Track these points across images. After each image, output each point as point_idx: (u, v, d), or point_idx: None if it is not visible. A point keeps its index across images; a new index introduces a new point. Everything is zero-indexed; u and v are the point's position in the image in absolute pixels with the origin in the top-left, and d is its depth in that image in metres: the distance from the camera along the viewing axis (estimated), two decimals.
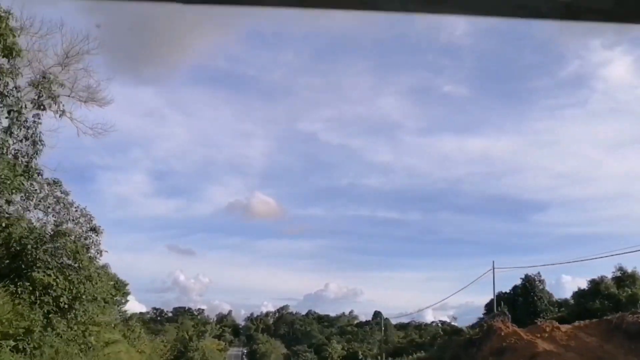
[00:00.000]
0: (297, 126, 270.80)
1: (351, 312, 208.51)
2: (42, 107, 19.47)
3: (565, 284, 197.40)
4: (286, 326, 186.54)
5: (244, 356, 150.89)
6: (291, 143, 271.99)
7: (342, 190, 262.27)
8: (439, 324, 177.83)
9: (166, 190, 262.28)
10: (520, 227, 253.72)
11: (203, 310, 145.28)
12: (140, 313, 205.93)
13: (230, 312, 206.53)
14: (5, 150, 18.28)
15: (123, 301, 49.74)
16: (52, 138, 20.17)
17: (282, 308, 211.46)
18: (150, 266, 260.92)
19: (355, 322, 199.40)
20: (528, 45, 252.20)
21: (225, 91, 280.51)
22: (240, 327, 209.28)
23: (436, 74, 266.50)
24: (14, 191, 17.76)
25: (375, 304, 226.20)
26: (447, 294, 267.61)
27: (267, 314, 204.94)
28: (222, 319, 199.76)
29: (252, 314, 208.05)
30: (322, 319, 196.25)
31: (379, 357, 61.72)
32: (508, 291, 53.02)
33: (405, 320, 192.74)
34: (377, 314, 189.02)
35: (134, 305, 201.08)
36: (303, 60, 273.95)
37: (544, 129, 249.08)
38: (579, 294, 44.70)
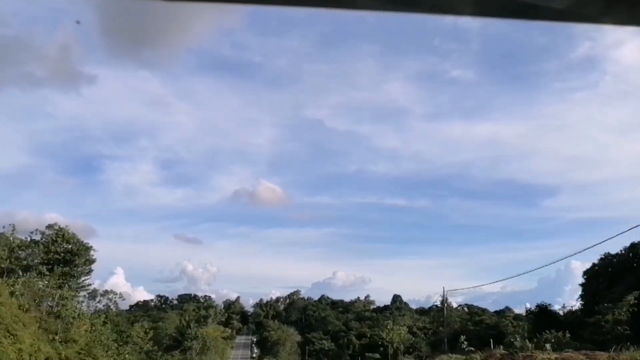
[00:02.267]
0: (303, 113, 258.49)
1: (367, 297, 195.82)
2: None
3: (575, 269, 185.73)
4: (298, 312, 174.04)
5: (253, 344, 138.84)
6: (298, 130, 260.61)
7: (350, 177, 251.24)
8: (465, 308, 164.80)
9: (173, 179, 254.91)
10: (530, 212, 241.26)
11: (210, 297, 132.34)
12: (144, 301, 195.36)
13: (238, 298, 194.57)
14: None
15: (87, 270, 36.10)
16: None
17: (293, 293, 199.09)
18: (158, 256, 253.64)
19: (372, 307, 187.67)
20: (536, 27, 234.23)
21: (231, 78, 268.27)
22: (249, 314, 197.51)
23: (443, 58, 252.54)
24: None
25: (383, 291, 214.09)
26: (456, 280, 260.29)
27: (277, 300, 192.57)
28: (230, 305, 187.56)
29: (261, 300, 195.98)
30: (335, 305, 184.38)
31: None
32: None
33: (422, 305, 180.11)
34: (396, 298, 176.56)
35: (141, 294, 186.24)
36: (309, 46, 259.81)
37: (553, 112, 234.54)
38: None
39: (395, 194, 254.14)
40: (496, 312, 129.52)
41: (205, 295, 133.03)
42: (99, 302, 40.46)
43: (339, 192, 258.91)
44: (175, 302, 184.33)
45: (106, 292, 40.53)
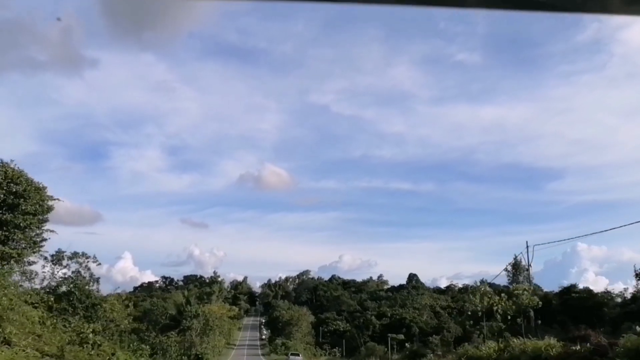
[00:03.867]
0: (309, 98, 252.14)
1: (380, 276, 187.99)
2: None
3: (581, 252, 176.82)
4: (308, 292, 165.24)
5: (262, 326, 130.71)
6: (303, 115, 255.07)
7: (355, 162, 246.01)
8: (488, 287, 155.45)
9: (180, 165, 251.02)
10: (534, 196, 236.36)
11: (216, 273, 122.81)
12: (149, 282, 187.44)
13: (245, 278, 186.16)
14: None
15: (38, 221, 26.20)
16: None
17: (303, 273, 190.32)
18: (165, 241, 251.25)
19: (386, 287, 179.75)
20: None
21: (236, 64, 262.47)
22: (257, 294, 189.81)
23: (448, 41, 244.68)
24: None
25: (390, 274, 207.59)
26: (461, 263, 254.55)
27: (286, 279, 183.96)
28: (237, 286, 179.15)
29: (269, 281, 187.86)
30: (347, 285, 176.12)
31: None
32: None
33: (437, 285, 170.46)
34: (412, 277, 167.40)
35: (148, 278, 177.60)
36: (313, 31, 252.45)
37: (559, 95, 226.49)
38: None
39: (401, 178, 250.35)
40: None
41: (212, 274, 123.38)
42: (66, 266, 30.69)
43: (345, 177, 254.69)
44: (180, 283, 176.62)
45: (75, 255, 30.61)
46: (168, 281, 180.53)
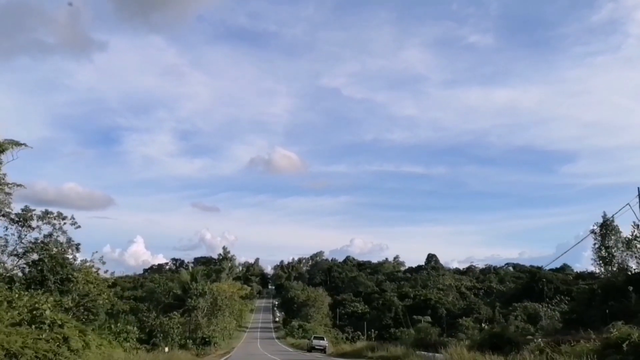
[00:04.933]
0: (320, 82, 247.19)
1: (396, 257, 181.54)
2: None
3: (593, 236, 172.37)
4: (322, 274, 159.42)
5: (275, 308, 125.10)
6: (314, 99, 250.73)
7: (366, 146, 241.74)
8: (511, 268, 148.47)
9: (191, 149, 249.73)
10: (548, 179, 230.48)
11: (228, 252, 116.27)
12: (159, 265, 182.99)
13: (257, 260, 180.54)
14: None
15: None
16: None
17: (316, 255, 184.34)
18: (177, 225, 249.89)
19: (402, 268, 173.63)
20: None
21: (247, 48, 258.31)
22: (269, 276, 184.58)
23: (461, 23, 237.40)
24: None
25: (401, 257, 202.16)
26: (473, 247, 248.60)
27: (299, 261, 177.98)
28: (249, 267, 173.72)
29: (281, 262, 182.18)
30: (362, 266, 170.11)
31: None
32: None
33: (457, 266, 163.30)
34: (430, 257, 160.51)
35: (159, 261, 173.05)
36: (324, 14, 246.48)
37: (573, 77, 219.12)
38: None
39: (412, 162, 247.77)
40: (553, 270, 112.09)
41: (222, 250, 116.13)
42: (36, 228, 24.15)
43: (356, 161, 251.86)
44: (191, 265, 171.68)
45: (47, 214, 24.04)
46: (178, 263, 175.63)
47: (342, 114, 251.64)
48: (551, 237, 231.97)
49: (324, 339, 46.91)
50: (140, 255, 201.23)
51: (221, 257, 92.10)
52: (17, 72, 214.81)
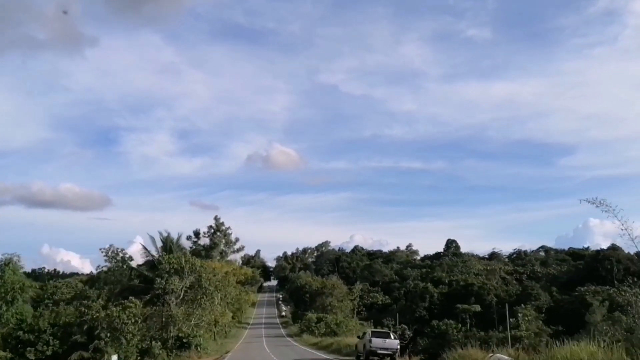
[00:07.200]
0: (318, 78, 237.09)
1: (409, 246, 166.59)
2: None
3: (594, 227, 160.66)
4: (329, 264, 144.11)
5: (280, 302, 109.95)
6: (313, 96, 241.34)
7: (365, 142, 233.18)
8: (542, 253, 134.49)
9: (190, 148, 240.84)
10: (546, 171, 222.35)
11: (222, 223, 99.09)
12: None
13: (258, 251, 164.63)
14: None
15: None
16: None
17: (322, 245, 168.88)
18: (177, 225, 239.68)
19: (417, 256, 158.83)
20: None
21: (244, 45, 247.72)
22: (271, 268, 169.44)
23: (458, 17, 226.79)
24: None
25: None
26: (473, 241, 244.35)
27: (304, 251, 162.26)
28: (249, 260, 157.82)
29: (284, 253, 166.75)
30: (373, 255, 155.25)
31: None
32: None
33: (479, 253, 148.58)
34: (450, 243, 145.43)
35: None
36: (321, 10, 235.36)
37: (571, 69, 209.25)
38: None
39: (412, 157, 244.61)
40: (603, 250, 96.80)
41: (214, 219, 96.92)
42: None
43: (355, 157, 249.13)
44: None
45: None
46: None
47: (340, 110, 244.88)
48: (551, 230, 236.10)
49: (390, 336, 27.33)
50: (140, 256, 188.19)
51: (213, 230, 72.47)
52: (12, 72, 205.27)
